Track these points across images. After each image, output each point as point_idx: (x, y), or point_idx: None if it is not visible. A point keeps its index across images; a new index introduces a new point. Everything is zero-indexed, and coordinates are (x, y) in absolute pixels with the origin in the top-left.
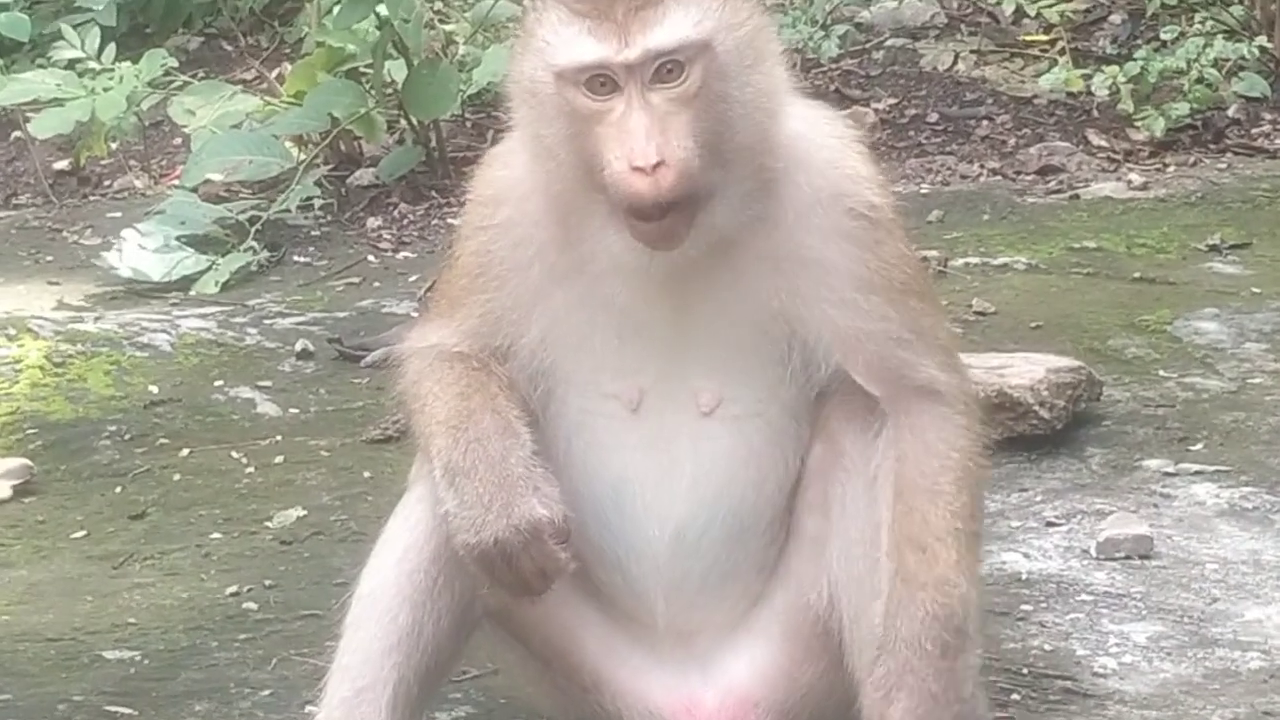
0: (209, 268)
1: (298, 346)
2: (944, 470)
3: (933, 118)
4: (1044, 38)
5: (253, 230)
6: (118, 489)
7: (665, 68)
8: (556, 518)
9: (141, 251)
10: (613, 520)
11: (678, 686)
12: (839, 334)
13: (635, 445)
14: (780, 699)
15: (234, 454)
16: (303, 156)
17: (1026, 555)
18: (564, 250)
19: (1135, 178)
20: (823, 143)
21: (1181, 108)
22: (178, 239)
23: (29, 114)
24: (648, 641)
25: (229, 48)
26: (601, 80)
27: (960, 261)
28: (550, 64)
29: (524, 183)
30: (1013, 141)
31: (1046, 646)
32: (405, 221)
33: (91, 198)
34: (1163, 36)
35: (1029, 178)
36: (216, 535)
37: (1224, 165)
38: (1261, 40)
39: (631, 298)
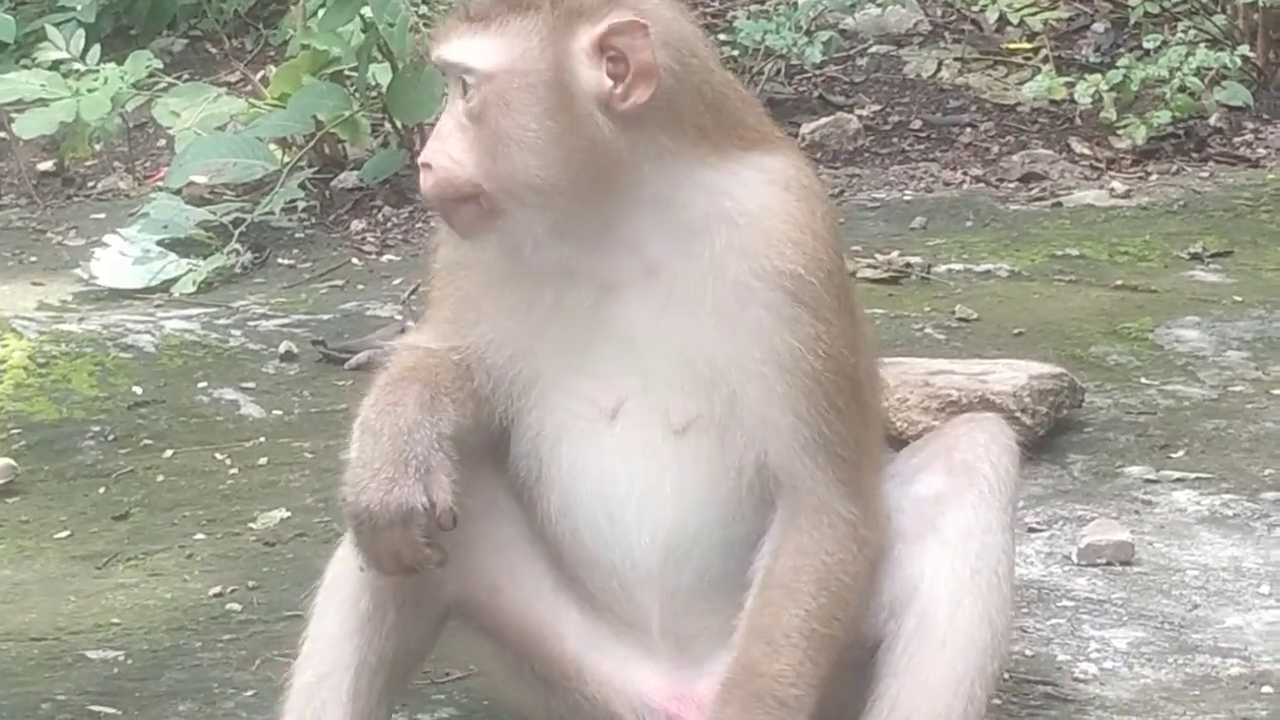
0: (189, 270)
1: (281, 348)
2: (806, 570)
3: (916, 124)
4: (1027, 46)
5: (236, 232)
6: (101, 489)
7: (463, 82)
8: (440, 507)
9: (121, 260)
10: (604, 527)
11: (668, 674)
12: (752, 409)
13: (616, 453)
14: None
15: (218, 455)
16: (287, 159)
17: None
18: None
19: (1118, 186)
20: (752, 200)
21: (1164, 116)
22: (159, 243)
23: (13, 114)
24: (636, 636)
25: (213, 50)
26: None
27: (943, 268)
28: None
29: None
30: (996, 149)
31: (1028, 652)
32: (389, 224)
33: (76, 199)
34: (1145, 45)
35: (1012, 185)
36: (200, 536)
37: (1206, 174)
38: (1244, 49)
39: (584, 297)
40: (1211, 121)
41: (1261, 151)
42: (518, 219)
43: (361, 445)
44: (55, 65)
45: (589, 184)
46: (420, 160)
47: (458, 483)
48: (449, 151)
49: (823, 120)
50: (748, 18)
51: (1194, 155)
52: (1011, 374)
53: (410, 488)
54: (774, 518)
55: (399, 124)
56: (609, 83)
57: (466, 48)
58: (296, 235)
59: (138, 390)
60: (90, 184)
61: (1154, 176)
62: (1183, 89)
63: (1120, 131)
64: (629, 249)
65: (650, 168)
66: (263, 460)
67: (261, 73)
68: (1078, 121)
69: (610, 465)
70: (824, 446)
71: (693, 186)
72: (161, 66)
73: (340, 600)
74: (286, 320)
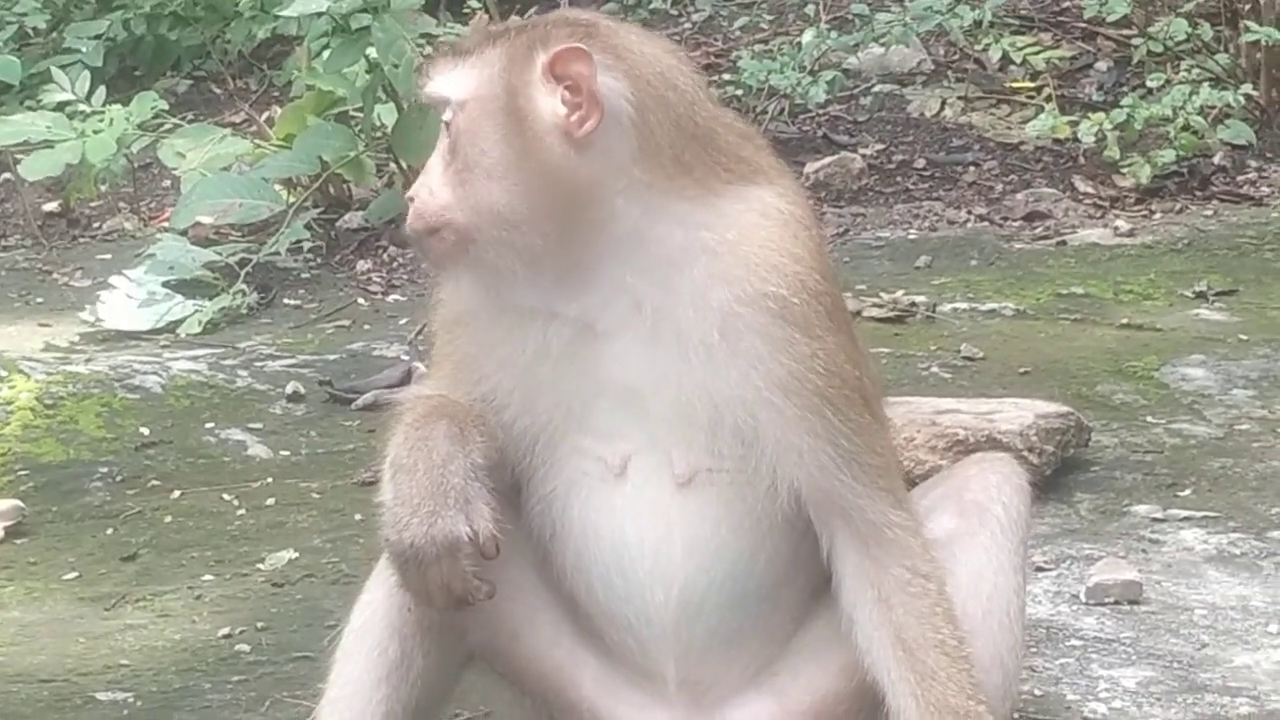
0: (196, 311)
1: (288, 389)
2: (924, 613)
3: (920, 163)
4: (1030, 85)
5: (242, 273)
6: (109, 530)
7: (444, 119)
8: (482, 536)
9: (128, 302)
10: (617, 584)
11: None
12: (770, 436)
13: (626, 512)
14: None
15: (225, 496)
16: (292, 199)
17: None
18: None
19: (1122, 224)
20: (730, 230)
21: (1167, 155)
22: (165, 285)
23: (18, 156)
24: (653, 685)
25: (218, 90)
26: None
27: (948, 307)
28: None
29: None
30: (1000, 188)
31: (1037, 691)
32: (395, 264)
33: (81, 239)
34: (1149, 84)
35: (1016, 224)
36: (208, 577)
37: (1210, 212)
38: (1247, 88)
39: (575, 345)
40: (1215, 160)
41: (1265, 190)
42: (488, 251)
43: (396, 484)
44: (61, 107)
45: (555, 215)
46: (407, 195)
47: (497, 511)
48: (429, 184)
49: (827, 160)
50: (752, 58)
51: (1198, 194)
52: (1018, 413)
53: (452, 518)
54: (838, 570)
55: (404, 164)
56: (563, 110)
57: (446, 80)
58: (302, 275)
59: (145, 431)
60: (96, 225)
61: (1158, 215)
62: (1186, 128)
63: (1124, 170)
64: (610, 288)
65: (624, 201)
66: (270, 501)
67: (266, 113)
68: (1081, 160)
69: (620, 524)
70: (854, 458)
71: (669, 219)
72: (166, 107)
73: (369, 647)
74: (293, 360)
